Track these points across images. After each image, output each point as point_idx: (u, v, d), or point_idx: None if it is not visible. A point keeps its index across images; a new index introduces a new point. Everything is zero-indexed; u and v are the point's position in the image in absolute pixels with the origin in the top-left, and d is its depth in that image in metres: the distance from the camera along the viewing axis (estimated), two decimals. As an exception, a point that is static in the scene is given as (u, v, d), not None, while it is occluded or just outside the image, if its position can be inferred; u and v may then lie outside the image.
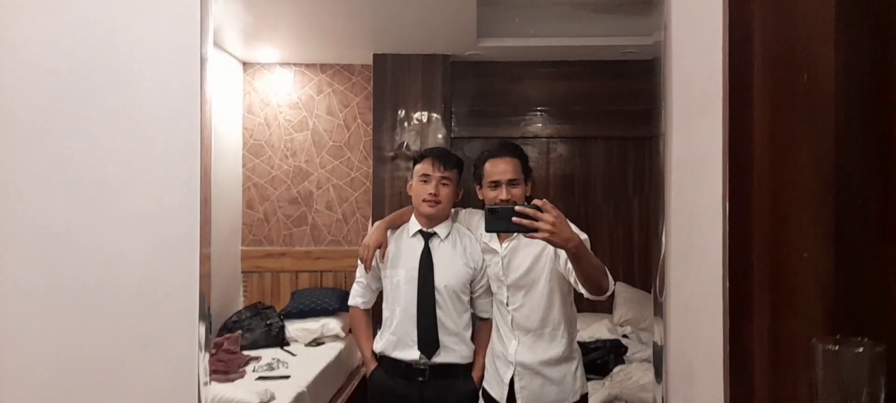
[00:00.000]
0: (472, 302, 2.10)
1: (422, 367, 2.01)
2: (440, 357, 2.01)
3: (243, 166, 3.65)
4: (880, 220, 0.80)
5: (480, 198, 2.02)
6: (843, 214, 0.79)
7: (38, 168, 1.30)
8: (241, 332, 3.07)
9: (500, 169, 1.93)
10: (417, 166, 2.08)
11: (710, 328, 0.88)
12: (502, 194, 1.90)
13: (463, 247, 2.08)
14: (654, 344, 1.24)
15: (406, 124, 3.34)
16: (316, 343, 3.23)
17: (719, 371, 0.83)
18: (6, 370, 1.29)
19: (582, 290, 1.73)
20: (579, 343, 2.03)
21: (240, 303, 3.59)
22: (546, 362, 1.90)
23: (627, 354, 2.92)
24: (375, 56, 3.34)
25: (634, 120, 3.36)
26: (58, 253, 1.29)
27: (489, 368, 2.02)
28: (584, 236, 1.74)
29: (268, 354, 2.96)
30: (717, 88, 0.85)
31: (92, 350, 1.29)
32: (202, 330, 1.30)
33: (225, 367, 2.70)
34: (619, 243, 3.56)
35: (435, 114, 3.35)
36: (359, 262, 2.11)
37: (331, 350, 3.11)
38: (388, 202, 3.25)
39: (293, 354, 3.04)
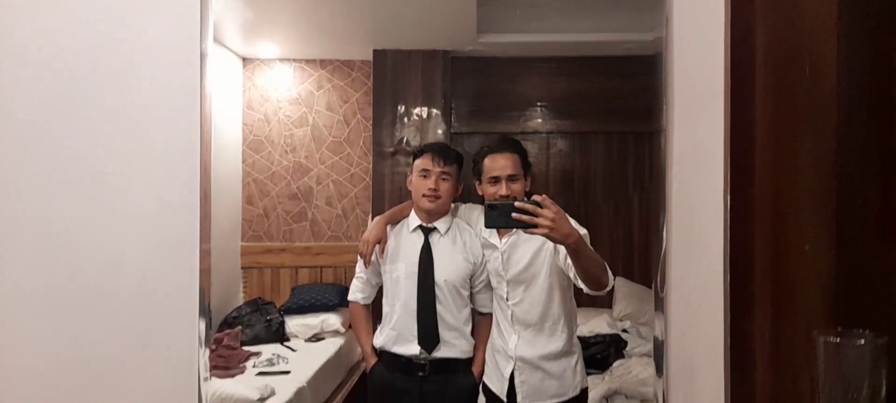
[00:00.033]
0: (471, 296, 2.10)
1: (422, 362, 2.01)
2: (440, 352, 2.02)
3: (243, 162, 3.65)
4: (882, 215, 0.80)
5: (480, 193, 2.01)
6: (844, 209, 0.79)
7: (37, 165, 1.29)
8: (241, 328, 3.07)
9: (499, 164, 1.92)
10: (417, 161, 2.07)
11: (711, 323, 0.88)
12: (502, 190, 1.90)
13: (463, 242, 2.08)
14: (655, 339, 1.24)
15: (406, 120, 3.34)
16: (316, 338, 3.23)
17: (720, 365, 0.84)
18: (6, 368, 1.29)
19: (581, 286, 1.73)
20: (579, 337, 2.03)
21: (240, 299, 3.59)
22: (546, 356, 1.90)
23: (627, 349, 2.92)
24: (375, 52, 3.34)
25: (634, 115, 3.36)
26: (57, 250, 1.29)
27: (489, 363, 2.02)
28: (583, 231, 1.74)
29: (268, 350, 2.96)
30: (719, 83, 0.85)
31: (92, 347, 1.29)
32: (202, 325, 1.30)
33: (225, 363, 2.70)
34: (618, 238, 3.56)
35: (435, 110, 3.34)
36: (358, 257, 2.11)
37: (331, 346, 3.12)
38: (387, 197, 3.25)
39: (293, 349, 3.04)
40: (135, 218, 1.29)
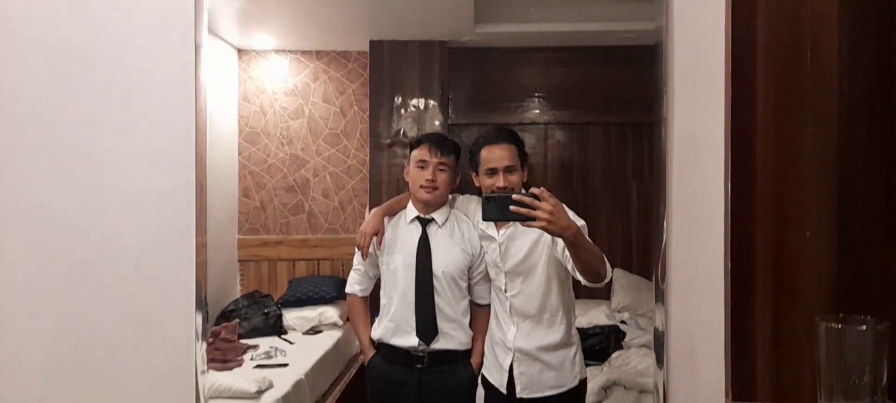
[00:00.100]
0: (469, 288, 2.10)
1: (420, 354, 2.01)
2: (439, 344, 2.01)
3: (239, 154, 3.63)
4: (884, 202, 0.80)
5: (477, 185, 2.01)
6: (846, 196, 0.79)
7: (31, 157, 1.28)
8: (238, 321, 3.06)
9: (496, 155, 1.92)
10: (414, 152, 2.06)
11: (712, 310, 0.88)
12: (499, 181, 1.90)
13: (461, 233, 2.08)
14: (656, 330, 1.24)
15: (403, 111, 3.32)
16: (314, 331, 3.22)
17: (721, 352, 0.83)
18: (2, 354, 1.28)
19: (580, 278, 1.72)
20: (577, 329, 2.03)
21: (237, 292, 3.58)
22: (544, 348, 1.90)
23: (626, 340, 2.92)
24: (372, 42, 3.32)
25: (634, 106, 3.34)
26: (53, 241, 1.28)
27: (488, 354, 2.02)
28: (581, 222, 1.73)
29: (265, 342, 2.95)
30: (720, 71, 0.85)
31: (89, 340, 1.29)
32: (199, 318, 1.29)
33: (222, 356, 2.70)
34: (617, 229, 3.55)
35: (432, 101, 3.32)
36: (356, 250, 2.11)
37: (329, 338, 3.11)
38: (385, 189, 3.24)
39: (291, 342, 3.03)
40: (130, 212, 1.28)
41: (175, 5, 1.26)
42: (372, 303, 2.20)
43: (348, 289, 2.21)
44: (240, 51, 3.66)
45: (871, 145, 0.79)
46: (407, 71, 3.33)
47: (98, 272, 1.27)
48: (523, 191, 1.92)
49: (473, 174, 2.01)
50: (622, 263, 3.53)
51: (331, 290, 3.36)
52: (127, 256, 1.27)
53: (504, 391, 1.94)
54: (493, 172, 1.91)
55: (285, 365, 2.67)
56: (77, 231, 1.27)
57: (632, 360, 2.70)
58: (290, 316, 3.24)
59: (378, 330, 2.07)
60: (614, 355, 2.79)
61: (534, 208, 1.54)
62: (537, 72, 3.59)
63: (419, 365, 2.01)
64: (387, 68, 3.34)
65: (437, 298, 2.01)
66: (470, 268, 2.06)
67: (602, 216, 3.62)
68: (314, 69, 3.69)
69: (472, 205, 2.09)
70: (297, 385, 2.52)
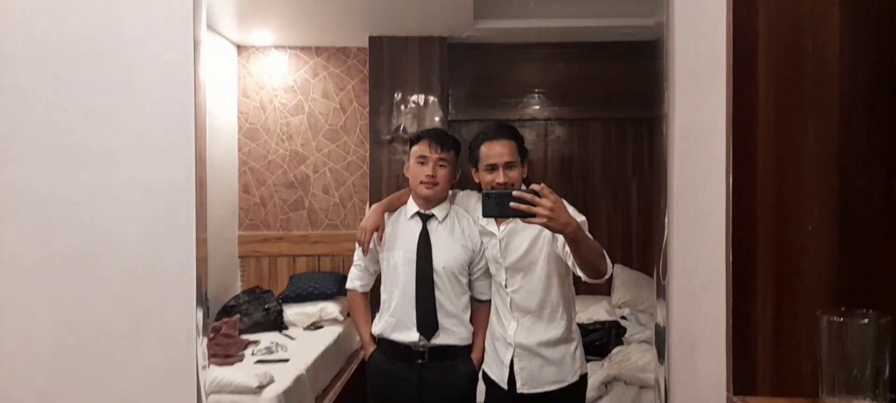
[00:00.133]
0: (470, 284, 2.09)
1: (421, 349, 2.01)
2: (439, 339, 2.01)
3: (239, 150, 3.63)
4: (885, 196, 0.80)
5: (476, 180, 2.00)
6: (847, 189, 0.79)
7: (31, 161, 1.28)
8: (239, 316, 3.07)
9: (496, 151, 1.91)
10: (414, 147, 2.06)
11: (714, 303, 0.88)
12: (499, 177, 1.89)
13: (461, 229, 2.07)
14: (657, 326, 1.24)
15: (403, 107, 3.32)
16: (314, 326, 3.23)
17: (722, 346, 0.83)
18: (3, 345, 1.29)
19: (580, 274, 1.72)
20: (578, 324, 2.03)
21: (237, 288, 3.59)
22: (545, 343, 1.90)
23: (626, 335, 2.93)
24: (371, 38, 3.31)
25: (634, 102, 3.34)
26: (52, 234, 1.28)
27: (489, 350, 2.02)
28: (581, 218, 1.73)
29: (266, 338, 2.96)
30: (721, 64, 0.84)
31: (90, 337, 1.29)
32: (200, 314, 1.29)
33: (224, 351, 2.70)
34: (617, 225, 3.56)
35: (432, 97, 3.32)
36: (356, 245, 2.10)
37: (329, 334, 3.12)
38: (385, 185, 3.24)
39: (292, 338, 3.04)
40: (129, 207, 1.28)
41: (173, 1, 1.26)
42: (372, 299, 2.20)
43: (349, 285, 2.20)
44: (239, 47, 3.66)
45: (872, 140, 0.79)
46: (407, 67, 3.32)
47: (98, 266, 1.27)
48: (523, 186, 1.92)
49: (473, 170, 2.01)
50: (622, 259, 3.54)
51: (331, 286, 3.37)
52: (126, 252, 1.27)
53: (505, 386, 1.93)
54: (492, 168, 1.90)
55: (286, 361, 2.67)
56: (76, 224, 1.27)
57: (632, 356, 2.71)
58: (291, 312, 3.25)
59: (378, 326, 2.07)
60: (615, 350, 2.80)
61: (534, 204, 1.53)
62: (537, 68, 3.59)
63: (420, 361, 2.00)
64: (386, 64, 3.34)
65: (437, 294, 2.01)
66: (470, 264, 2.05)
67: (602, 212, 3.62)
68: (314, 65, 3.69)
69: (472, 201, 2.08)
70: (298, 380, 2.53)
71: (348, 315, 2.85)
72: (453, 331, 2.03)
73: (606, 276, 1.73)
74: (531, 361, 1.91)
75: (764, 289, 0.79)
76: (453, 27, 3.21)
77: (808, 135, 0.79)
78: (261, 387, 2.35)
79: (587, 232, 1.68)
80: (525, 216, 1.55)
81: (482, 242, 2.04)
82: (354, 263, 2.17)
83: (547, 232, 1.79)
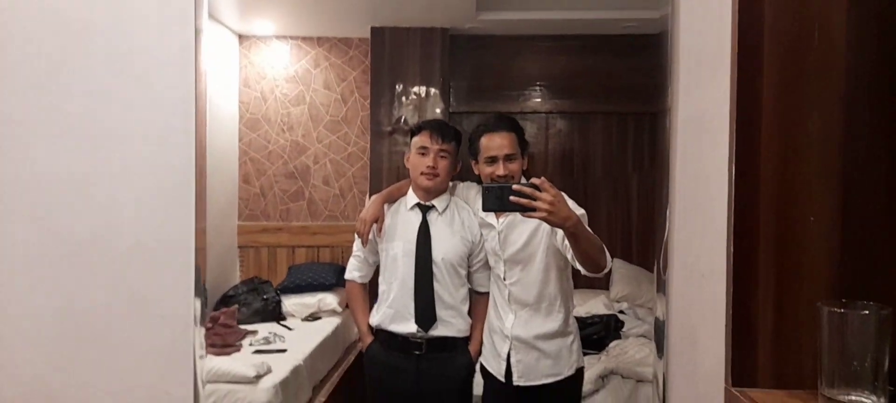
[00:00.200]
0: (469, 275, 2.09)
1: (419, 340, 2.01)
2: (437, 331, 2.01)
3: (240, 140, 3.63)
4: (889, 188, 0.79)
5: (476, 172, 2.00)
6: (851, 181, 0.78)
7: (30, 145, 1.28)
8: (237, 306, 3.07)
9: (496, 143, 1.90)
10: (415, 138, 2.05)
11: (714, 294, 0.88)
12: (499, 169, 1.88)
13: (461, 221, 2.07)
14: (656, 320, 1.24)
15: (404, 98, 3.31)
16: (313, 317, 3.23)
17: (722, 338, 0.83)
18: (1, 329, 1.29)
19: (579, 267, 1.72)
20: (576, 318, 2.03)
21: (236, 278, 3.59)
22: (541, 336, 1.89)
23: (624, 329, 2.93)
24: (373, 29, 3.30)
25: (636, 95, 3.33)
26: (51, 218, 1.28)
27: (486, 343, 2.02)
28: (580, 211, 1.72)
29: (264, 328, 2.96)
30: (725, 54, 0.84)
31: (88, 325, 1.28)
32: (198, 304, 1.29)
33: (222, 340, 2.70)
34: (617, 219, 3.56)
35: (433, 89, 3.31)
36: (356, 236, 2.10)
37: (327, 325, 3.12)
38: (385, 176, 3.23)
39: (290, 328, 3.04)
40: (128, 197, 1.28)
41: (174, -11, 1.26)
42: (371, 290, 2.20)
43: (347, 276, 2.20)
44: (241, 36, 3.64)
45: (876, 131, 0.78)
46: (408, 58, 3.31)
47: (96, 254, 1.27)
48: (523, 179, 1.91)
49: (473, 162, 2.00)
50: (622, 253, 3.54)
51: (330, 277, 3.37)
52: (125, 240, 1.27)
53: (502, 379, 1.93)
54: (492, 160, 1.90)
55: (284, 351, 2.67)
56: (74, 211, 1.27)
57: (629, 349, 2.71)
58: (290, 303, 3.25)
59: (376, 317, 2.06)
60: (612, 344, 2.80)
61: (534, 198, 1.53)
62: (539, 60, 3.58)
63: (417, 352, 2.00)
64: (388, 55, 3.33)
65: (436, 285, 2.01)
66: (470, 256, 2.05)
67: (602, 206, 3.62)
68: (315, 55, 3.68)
69: (472, 193, 2.08)
70: (296, 371, 2.53)
71: (347, 306, 2.85)
72: (451, 323, 2.03)
73: (606, 270, 1.72)
74: (528, 354, 1.91)
75: (765, 281, 0.79)
76: (455, 18, 3.20)
77: (812, 127, 0.78)
78: (258, 377, 2.35)
79: (587, 226, 1.68)
80: (525, 210, 1.54)
81: (481, 234, 2.03)
82: (353, 254, 2.17)
83: (546, 226, 1.79)
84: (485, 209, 1.62)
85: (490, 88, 3.58)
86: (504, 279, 1.93)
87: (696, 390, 1.01)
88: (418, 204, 2.06)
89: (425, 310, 2.00)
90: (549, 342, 1.91)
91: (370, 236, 2.05)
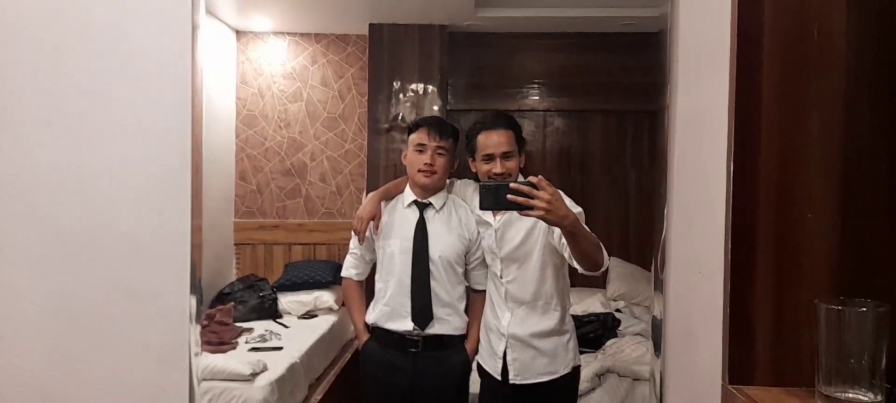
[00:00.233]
0: (467, 274, 2.09)
1: (415, 338, 2.00)
2: (433, 329, 2.01)
3: (236, 137, 3.62)
4: (888, 185, 0.79)
5: (473, 170, 1.99)
6: (850, 178, 0.78)
7: (24, 139, 1.27)
8: (233, 304, 3.06)
9: (493, 141, 1.90)
10: (412, 135, 2.05)
11: (712, 291, 0.87)
12: (496, 167, 1.88)
13: (458, 218, 2.06)
14: (654, 319, 1.23)
15: (401, 96, 3.31)
16: (309, 315, 3.23)
17: (719, 335, 0.83)
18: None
19: (576, 266, 1.71)
20: (572, 316, 2.02)
21: (232, 275, 3.58)
22: (538, 334, 1.89)
23: (620, 328, 2.93)
24: (371, 26, 3.29)
25: (634, 94, 3.33)
26: (45, 215, 1.27)
27: (483, 341, 2.02)
28: (578, 209, 1.72)
29: (260, 326, 2.95)
30: (725, 50, 0.83)
31: (83, 321, 1.28)
32: (193, 301, 1.28)
33: (218, 338, 2.69)
34: (614, 217, 3.56)
35: (431, 86, 3.31)
36: (352, 234, 2.09)
37: (324, 323, 3.11)
38: (382, 174, 3.23)
39: (286, 326, 3.03)
40: (123, 193, 1.27)
41: (171, -17, 1.25)
42: (367, 288, 2.19)
43: (344, 273, 2.20)
44: (238, 32, 3.63)
45: (876, 128, 0.78)
46: (406, 55, 3.30)
47: (91, 250, 1.26)
48: (521, 176, 1.91)
49: (470, 160, 1.99)
50: (619, 252, 3.54)
51: (326, 275, 3.36)
52: (120, 236, 1.26)
53: (498, 377, 1.93)
54: (490, 158, 1.89)
55: (280, 349, 2.67)
56: (69, 207, 1.26)
57: (626, 348, 2.71)
58: (286, 300, 3.24)
59: (372, 314, 2.06)
60: (608, 342, 2.80)
61: (531, 197, 1.52)
62: (537, 58, 3.58)
63: (414, 350, 1.99)
64: (386, 52, 3.32)
65: (433, 283, 2.00)
66: (467, 254, 2.04)
67: (600, 204, 3.62)
68: (313, 52, 3.67)
69: (469, 190, 2.07)
70: (292, 369, 2.52)
71: (343, 304, 2.84)
72: (448, 321, 2.03)
73: (603, 269, 1.72)
74: (524, 352, 1.90)
75: (763, 277, 0.79)
76: (454, 15, 3.19)
77: (811, 123, 0.78)
78: (254, 375, 2.34)
79: (584, 225, 1.68)
80: (522, 208, 1.53)
81: (479, 232, 2.03)
82: (350, 251, 2.16)
83: (543, 224, 1.78)
84: (482, 208, 1.61)
85: (488, 86, 3.58)
86: (500, 277, 1.93)
87: (693, 388, 1.01)
88: (415, 202, 2.06)
89: (422, 308, 2.00)
90: (546, 340, 1.90)
91: (367, 233, 2.05)
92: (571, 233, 1.60)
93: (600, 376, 2.53)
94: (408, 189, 2.09)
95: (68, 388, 1.28)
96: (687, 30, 1.09)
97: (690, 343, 1.01)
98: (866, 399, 0.70)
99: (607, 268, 1.81)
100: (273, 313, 3.18)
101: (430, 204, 2.05)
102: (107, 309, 1.27)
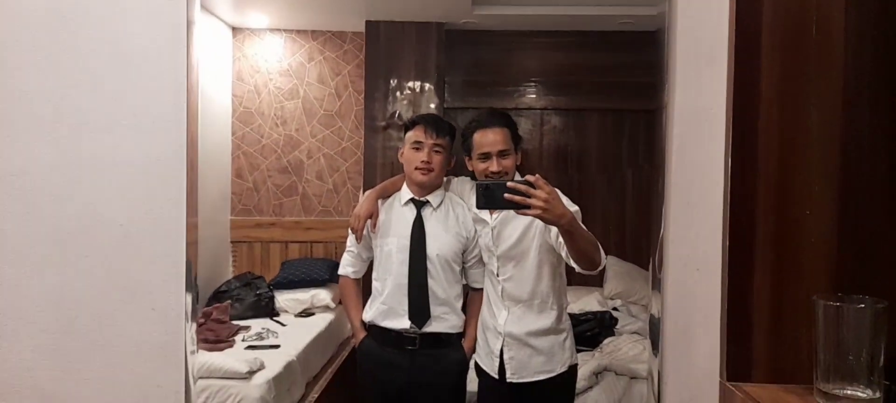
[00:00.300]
0: (465, 272, 2.09)
1: (412, 336, 2.00)
2: (431, 327, 2.00)
3: (233, 134, 3.60)
4: (888, 180, 0.79)
5: (470, 168, 1.99)
6: (849, 174, 0.78)
7: (17, 149, 1.26)
8: (230, 302, 3.05)
9: (489, 139, 1.89)
10: (409, 133, 2.04)
11: (710, 287, 0.87)
12: (493, 166, 1.87)
13: (455, 216, 2.06)
14: (651, 317, 1.23)
15: (398, 93, 3.30)
16: (306, 313, 3.22)
17: (717, 331, 0.83)
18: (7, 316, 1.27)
19: (573, 265, 1.71)
20: (570, 315, 2.02)
21: (229, 273, 3.57)
22: (534, 333, 1.89)
23: (617, 326, 2.93)
24: (368, 23, 3.28)
25: (631, 93, 3.33)
26: (39, 213, 1.26)
27: (480, 340, 2.02)
28: (574, 208, 1.72)
29: (257, 324, 2.95)
30: (723, 44, 0.83)
31: (78, 319, 1.27)
32: (189, 299, 1.27)
33: (214, 336, 2.69)
34: (611, 216, 3.56)
35: (428, 84, 3.30)
36: (350, 231, 2.09)
37: (321, 321, 3.11)
38: (379, 172, 3.22)
39: (283, 324, 3.03)
40: (119, 190, 1.26)
41: (167, -22, 1.24)
42: (364, 286, 2.19)
43: (341, 271, 2.19)
44: (234, 29, 3.62)
45: (875, 124, 0.78)
46: (403, 53, 3.30)
47: (86, 247, 1.25)
48: (517, 175, 1.91)
49: (466, 158, 1.99)
50: (616, 251, 3.54)
51: (323, 273, 3.36)
52: (115, 234, 1.25)
53: (496, 376, 1.92)
54: (486, 157, 1.89)
55: (277, 347, 2.66)
56: (64, 204, 1.25)
57: (623, 347, 2.71)
58: (283, 298, 3.24)
59: (370, 313, 2.06)
60: (606, 341, 2.80)
61: (528, 195, 1.52)
62: (535, 56, 3.58)
63: (411, 348, 1.99)
64: (383, 50, 3.31)
65: (430, 281, 2.00)
66: (464, 252, 2.04)
67: (597, 203, 3.62)
68: (309, 49, 3.66)
69: (466, 188, 2.07)
70: (289, 367, 2.52)
71: (340, 302, 2.84)
72: (445, 319, 2.03)
73: (600, 267, 1.72)
74: (520, 350, 1.90)
75: (761, 275, 0.79)
76: (451, 13, 3.19)
77: (810, 119, 0.78)
78: (251, 373, 2.34)
79: (581, 223, 1.68)
80: (519, 207, 1.53)
81: (476, 230, 2.03)
82: (347, 249, 2.16)
83: (539, 222, 1.78)
84: (479, 207, 1.61)
85: (485, 84, 3.57)
86: (497, 275, 1.93)
87: (691, 385, 1.01)
88: (413, 200, 2.05)
89: (419, 306, 2.00)
90: (542, 339, 1.90)
91: (364, 232, 2.04)
92: (568, 232, 1.60)
93: (597, 374, 2.53)
94: (405, 187, 2.08)
95: (64, 385, 1.27)
96: (685, 28, 1.09)
97: (688, 341, 1.01)
98: (864, 395, 0.70)
99: (604, 267, 1.81)
100: (270, 311, 3.17)
101: (428, 201, 2.05)
102: (102, 307, 1.26)
